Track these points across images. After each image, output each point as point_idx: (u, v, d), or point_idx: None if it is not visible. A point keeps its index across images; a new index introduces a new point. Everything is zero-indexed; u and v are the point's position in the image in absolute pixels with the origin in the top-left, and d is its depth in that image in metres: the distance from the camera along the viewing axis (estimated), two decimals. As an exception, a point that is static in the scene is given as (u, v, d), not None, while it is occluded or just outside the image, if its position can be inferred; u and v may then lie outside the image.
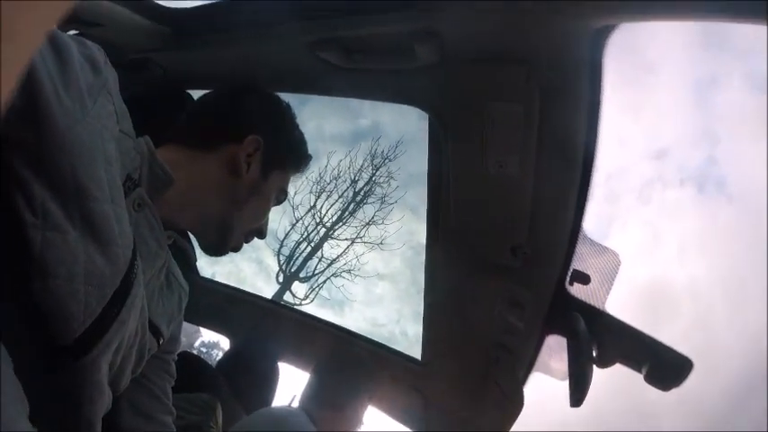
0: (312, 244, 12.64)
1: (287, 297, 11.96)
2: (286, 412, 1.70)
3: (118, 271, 0.77)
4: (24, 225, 0.66)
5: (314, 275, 12.54)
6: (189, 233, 1.21)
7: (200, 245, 1.13)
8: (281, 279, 12.29)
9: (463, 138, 1.22)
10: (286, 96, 1.29)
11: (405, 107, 1.29)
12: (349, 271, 12.62)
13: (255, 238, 1.18)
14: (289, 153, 1.16)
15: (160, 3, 1.30)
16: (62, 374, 0.75)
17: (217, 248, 1.11)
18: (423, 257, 1.55)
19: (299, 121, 1.20)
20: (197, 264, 1.98)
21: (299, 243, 12.61)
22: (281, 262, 12.46)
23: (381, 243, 12.48)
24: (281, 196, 1.17)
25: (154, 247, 0.95)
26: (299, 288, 12.31)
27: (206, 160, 1.05)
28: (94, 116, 0.76)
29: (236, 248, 1.12)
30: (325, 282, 12.52)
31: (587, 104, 1.07)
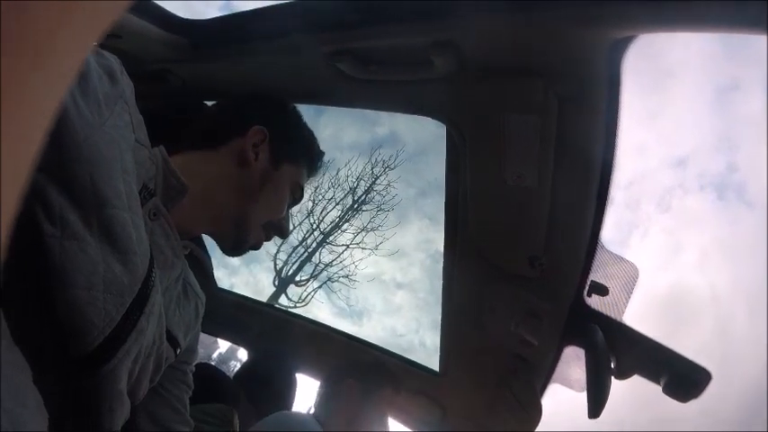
0: (310, 250, 12.72)
1: (282, 300, 12.03)
2: (295, 415, 1.70)
3: (136, 279, 0.78)
4: (43, 235, 0.66)
5: (311, 279, 12.60)
6: (205, 245, 1.21)
7: (220, 246, 1.13)
8: (276, 283, 12.36)
9: (481, 149, 1.22)
10: (302, 107, 1.30)
11: (421, 117, 1.29)
12: (347, 276, 12.67)
13: (277, 237, 1.18)
14: (298, 145, 1.17)
15: (178, 14, 1.31)
16: (82, 384, 0.75)
17: (236, 246, 1.11)
18: (441, 266, 1.55)
19: (314, 129, 1.22)
20: (214, 274, 1.99)
21: (296, 248, 12.68)
22: (278, 266, 12.53)
23: (377, 248, 12.53)
24: (296, 192, 1.17)
25: (170, 256, 0.95)
26: (295, 292, 12.37)
27: (215, 159, 1.07)
28: (111, 126, 0.76)
29: (257, 245, 1.12)
30: (320, 286, 12.58)
31: (605, 115, 1.06)
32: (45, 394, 0.64)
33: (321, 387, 1.84)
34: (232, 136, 1.09)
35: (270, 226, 1.14)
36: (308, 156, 1.21)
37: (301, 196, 1.20)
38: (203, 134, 1.10)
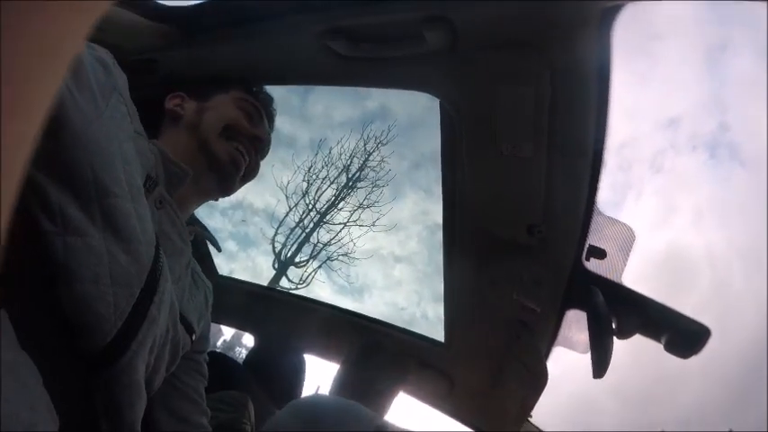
0: (307, 230, 12.71)
1: (283, 282, 12.05)
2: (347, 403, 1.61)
3: (143, 269, 0.79)
4: (44, 233, 0.67)
5: (310, 260, 12.62)
6: (207, 228, 1.23)
7: (219, 191, 1.17)
8: (276, 265, 12.37)
9: (476, 122, 1.23)
10: (296, 88, 1.29)
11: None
12: (346, 254, 12.71)
13: (260, 151, 1.21)
14: (218, 81, 1.23)
15: (162, 2, 1.28)
16: (100, 380, 0.75)
17: (219, 171, 1.11)
18: (438, 237, 1.56)
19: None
20: (215, 263, 1.99)
21: (293, 229, 12.68)
22: (276, 249, 12.54)
23: (374, 224, 12.55)
24: (242, 104, 1.19)
25: (178, 243, 0.97)
26: (295, 273, 12.40)
27: (166, 138, 1.11)
28: (108, 117, 0.77)
29: (235, 161, 1.12)
30: (320, 266, 12.62)
31: (597, 82, 1.07)
32: (61, 395, 0.65)
33: (339, 371, 1.83)
34: (162, 116, 1.15)
35: (234, 132, 1.14)
36: (233, 80, 1.24)
37: (251, 104, 1.20)
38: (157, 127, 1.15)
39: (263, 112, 1.23)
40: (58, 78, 0.27)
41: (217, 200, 1.22)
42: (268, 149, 1.26)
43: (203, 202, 1.18)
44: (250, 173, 1.19)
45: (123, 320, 0.75)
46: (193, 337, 1.05)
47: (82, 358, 0.73)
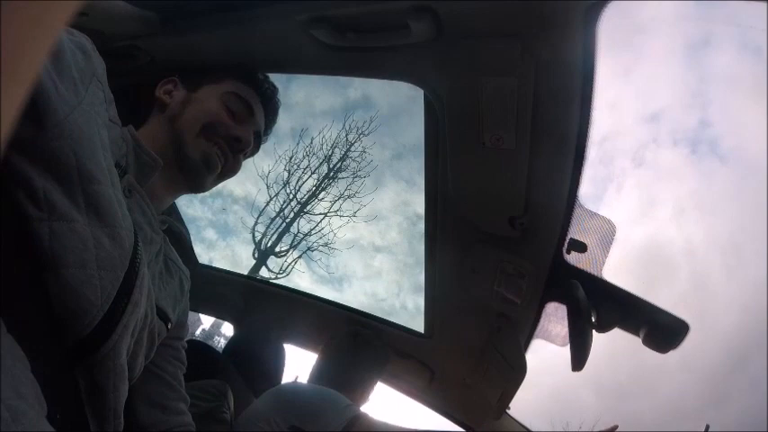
0: (288, 220, 12.68)
1: (263, 272, 12.02)
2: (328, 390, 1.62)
3: (125, 253, 0.79)
4: (29, 220, 0.67)
5: (290, 249, 12.60)
6: (182, 219, 1.21)
7: (191, 186, 1.13)
8: (256, 255, 12.34)
9: (459, 113, 1.22)
10: (278, 76, 1.28)
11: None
12: (326, 244, 12.69)
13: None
14: (212, 70, 1.19)
15: (144, -12, 1.26)
16: (86, 365, 0.76)
17: (188, 170, 1.08)
18: (419, 227, 1.58)
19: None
20: (194, 251, 1.97)
21: (273, 219, 12.65)
22: (256, 239, 12.50)
23: (354, 215, 12.52)
24: (229, 100, 1.14)
25: (149, 232, 0.97)
26: (275, 263, 12.38)
27: (150, 124, 1.10)
28: (88, 103, 0.78)
29: (208, 159, 1.09)
30: (300, 256, 12.61)
31: (581, 75, 1.07)
32: (47, 381, 0.65)
33: (318, 361, 1.85)
34: (151, 100, 1.13)
35: (213, 132, 1.09)
36: (228, 69, 1.21)
37: (240, 100, 1.16)
38: (137, 110, 1.13)
39: (256, 108, 1.19)
40: (33, 73, 0.26)
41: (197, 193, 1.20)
42: (256, 147, 1.22)
43: (178, 196, 1.16)
44: (228, 172, 1.16)
45: (109, 304, 0.76)
46: (168, 325, 1.04)
47: (68, 343, 0.73)
